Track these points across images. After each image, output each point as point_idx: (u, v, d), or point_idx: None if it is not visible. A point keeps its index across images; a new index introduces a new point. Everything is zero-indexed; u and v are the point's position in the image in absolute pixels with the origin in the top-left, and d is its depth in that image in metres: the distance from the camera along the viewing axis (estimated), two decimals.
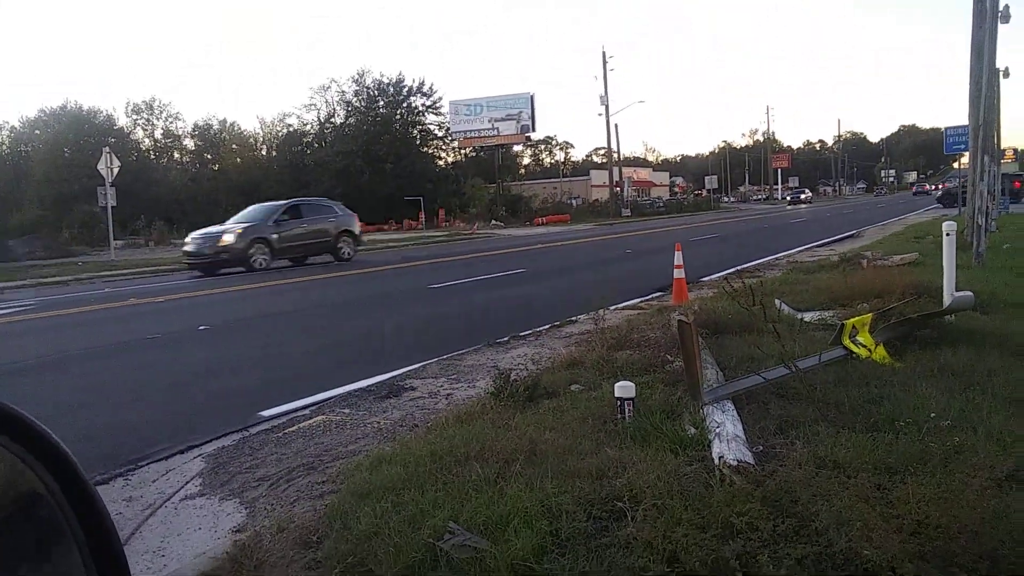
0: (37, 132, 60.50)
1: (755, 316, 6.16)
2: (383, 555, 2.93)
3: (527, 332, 8.57)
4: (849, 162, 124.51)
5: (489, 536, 2.94)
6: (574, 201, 66.34)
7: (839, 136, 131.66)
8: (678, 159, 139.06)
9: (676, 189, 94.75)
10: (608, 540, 2.88)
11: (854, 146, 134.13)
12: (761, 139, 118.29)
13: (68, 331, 11.69)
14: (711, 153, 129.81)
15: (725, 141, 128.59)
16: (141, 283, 20.44)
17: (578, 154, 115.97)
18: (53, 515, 0.77)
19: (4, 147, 67.12)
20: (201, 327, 10.62)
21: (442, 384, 6.38)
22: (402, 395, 6.06)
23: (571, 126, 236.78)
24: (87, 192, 39.85)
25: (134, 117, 64.36)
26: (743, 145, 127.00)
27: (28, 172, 58.24)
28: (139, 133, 64.54)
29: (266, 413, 5.77)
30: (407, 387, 6.30)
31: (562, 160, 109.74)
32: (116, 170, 28.47)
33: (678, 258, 10.44)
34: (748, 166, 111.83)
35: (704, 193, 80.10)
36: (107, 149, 29.40)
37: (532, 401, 4.96)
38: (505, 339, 8.18)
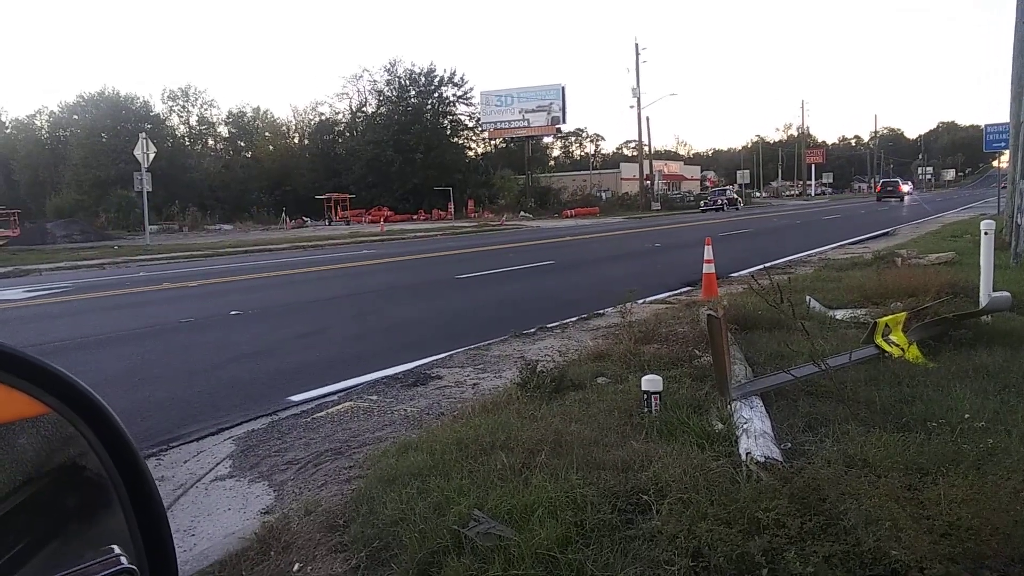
0: (75, 117, 61.74)
1: (785, 313, 6.10)
2: (408, 540, 2.96)
3: (554, 324, 8.57)
4: (885, 159, 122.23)
5: (513, 525, 2.96)
6: (603, 194, 66.01)
7: (875, 132, 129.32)
8: (710, 153, 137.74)
9: (707, 183, 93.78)
10: (633, 532, 2.88)
11: (891, 142, 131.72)
12: (795, 134, 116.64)
13: (103, 313, 11.94)
14: (743, 147, 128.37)
15: (758, 135, 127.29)
16: (175, 268, 20.78)
17: (608, 147, 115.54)
18: (100, 480, 0.80)
19: (43, 132, 68.68)
20: (232, 312, 10.78)
21: (469, 374, 6.41)
22: (429, 383, 6.10)
23: (602, 118, 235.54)
24: (123, 177, 40.60)
25: (170, 103, 65.49)
26: (776, 140, 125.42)
27: (66, 157, 59.52)
28: (174, 119, 65.65)
29: (295, 398, 5.86)
30: (434, 376, 6.34)
31: (592, 152, 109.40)
32: (152, 156, 28.92)
33: (708, 253, 10.35)
34: (781, 161, 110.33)
35: (737, 187, 79.16)
36: (143, 135, 29.85)
37: (558, 393, 4.97)
38: (532, 330, 8.18)
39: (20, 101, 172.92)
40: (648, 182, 62.58)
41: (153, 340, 9.16)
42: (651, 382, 4.36)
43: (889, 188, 60.57)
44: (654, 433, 3.99)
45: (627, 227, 34.93)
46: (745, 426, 3.86)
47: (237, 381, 6.74)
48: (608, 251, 21.46)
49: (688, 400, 4.47)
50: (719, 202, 55.42)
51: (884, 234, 22.81)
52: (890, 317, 5.77)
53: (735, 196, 59.84)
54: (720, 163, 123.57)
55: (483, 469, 3.55)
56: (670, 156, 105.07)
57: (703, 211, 53.54)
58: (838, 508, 2.88)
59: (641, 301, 9.36)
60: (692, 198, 68.34)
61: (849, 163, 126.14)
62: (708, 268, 10.29)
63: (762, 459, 3.41)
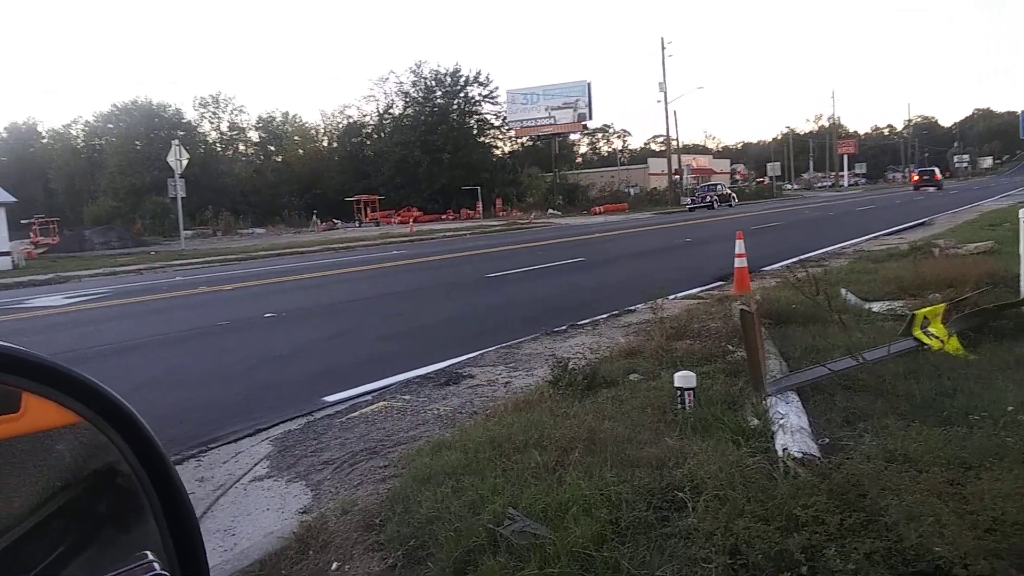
0: (110, 126, 63.04)
1: (820, 306, 6.02)
2: (444, 539, 2.98)
3: (585, 321, 8.54)
4: (920, 147, 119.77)
5: (548, 523, 2.96)
6: (632, 190, 65.61)
7: (909, 120, 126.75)
8: (739, 146, 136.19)
9: (737, 176, 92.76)
10: (668, 530, 2.87)
11: (925, 131, 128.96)
12: (826, 124, 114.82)
13: (141, 318, 12.18)
14: (773, 139, 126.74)
15: (788, 127, 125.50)
16: (210, 272, 21.12)
17: (636, 142, 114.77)
18: (132, 487, 0.81)
19: (79, 141, 70.17)
20: (267, 314, 10.92)
21: (500, 372, 6.42)
22: (461, 382, 6.12)
23: (629, 114, 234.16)
24: (158, 184, 41.35)
25: (201, 110, 66.38)
26: (807, 131, 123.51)
27: (102, 165, 60.75)
28: (206, 126, 66.55)
29: (329, 398, 5.92)
30: (466, 375, 6.37)
31: (619, 148, 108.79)
32: (185, 162, 29.43)
33: (739, 247, 10.23)
34: (812, 152, 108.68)
35: (766, 180, 78.16)
36: (176, 142, 30.38)
37: (590, 390, 4.96)
38: (563, 328, 8.17)
39: (56, 111, 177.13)
40: (677, 177, 62.08)
41: (190, 343, 9.33)
42: (684, 378, 4.33)
43: (926, 177, 59.48)
44: (688, 429, 3.96)
45: (656, 222, 34.71)
46: (781, 422, 3.82)
47: (273, 382, 6.83)
48: (638, 247, 21.34)
49: (722, 396, 4.43)
50: (708, 199, 48.10)
51: (920, 224, 22.35)
52: (928, 309, 5.66)
53: (728, 192, 52.07)
54: (750, 156, 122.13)
55: (517, 467, 3.56)
56: (698, 150, 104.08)
57: (691, 209, 46.48)
58: (879, 504, 2.84)
59: (672, 296, 9.29)
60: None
61: (882, 152, 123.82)
62: (740, 262, 10.18)
63: (799, 455, 3.37)
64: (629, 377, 5.30)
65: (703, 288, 10.80)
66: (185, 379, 7.22)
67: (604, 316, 8.81)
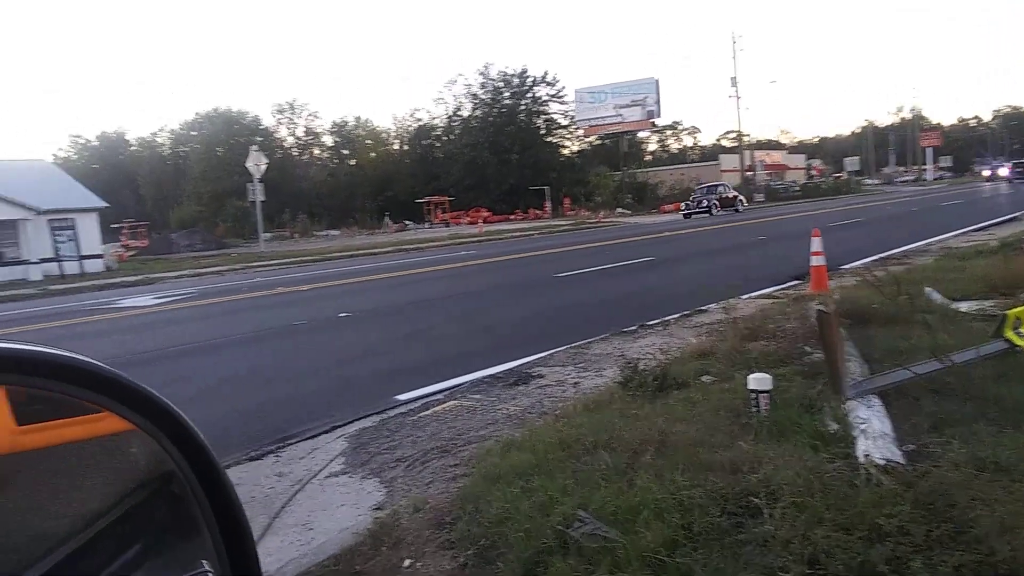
0: (194, 133, 65.92)
1: (903, 306, 5.78)
2: (513, 539, 2.99)
3: (655, 321, 8.44)
4: (1010, 139, 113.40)
5: (618, 526, 2.93)
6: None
7: (997, 111, 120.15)
8: (815, 140, 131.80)
9: (813, 172, 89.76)
10: (744, 537, 2.80)
11: (1014, 121, 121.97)
12: (908, 116, 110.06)
13: (223, 317, 12.67)
14: (852, 133, 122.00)
15: (867, 120, 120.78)
16: (287, 273, 21.79)
17: (706, 139, 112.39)
18: (187, 496, 0.81)
19: (165, 148, 73.58)
20: (341, 314, 11.20)
21: (569, 372, 6.40)
22: (530, 382, 6.14)
23: (699, 110, 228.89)
24: (238, 188, 42.89)
25: (278, 117, 68.62)
26: (887, 124, 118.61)
27: (186, 171, 63.53)
28: (283, 132, 68.74)
29: (402, 397, 6.03)
30: (535, 375, 6.38)
31: (690, 145, 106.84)
32: (263, 167, 30.50)
33: (816, 244, 9.90)
34: (893, 145, 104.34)
35: (844, 175, 75.43)
36: (255, 147, 31.58)
37: (661, 392, 4.89)
38: (632, 328, 8.09)
39: (143, 121, 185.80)
40: (750, 173, 60.65)
41: (269, 342, 9.65)
42: (759, 380, 4.23)
43: (1019, 169, 56.44)
44: (764, 433, 3.86)
45: (728, 220, 33.97)
46: (862, 426, 3.68)
47: (347, 381, 7.00)
48: (709, 245, 20.93)
49: (799, 399, 4.30)
50: (705, 204, 39.00)
51: (1011, 219, 21.17)
52: (1020, 308, 5.36)
53: (734, 194, 41.82)
54: (827, 150, 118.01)
55: (587, 469, 3.54)
56: (772, 146, 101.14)
57: (686, 216, 38.66)
58: (968, 515, 2.70)
59: (746, 296, 9.08)
60: (797, 188, 65.66)
61: (968, 145, 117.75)
62: (817, 260, 9.85)
63: (882, 461, 3.24)
64: (701, 379, 5.21)
65: (778, 287, 10.52)
66: (264, 377, 7.48)
67: (675, 316, 8.68)
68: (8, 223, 29.79)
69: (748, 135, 64.27)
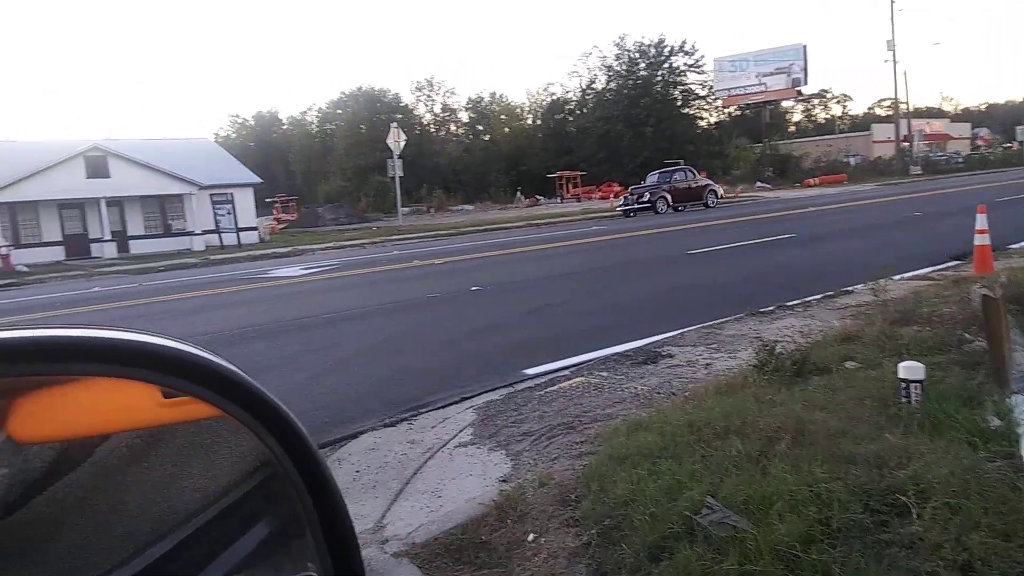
0: (339, 112, 69.18)
1: None
2: (639, 522, 2.94)
3: (794, 302, 8.03)
4: None
5: (749, 516, 2.82)
6: (851, 159, 60.35)
7: None
8: (982, 107, 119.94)
9: (979, 142, 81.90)
10: (888, 537, 2.62)
11: None
12: None
13: (363, 289, 13.31)
14: None
15: None
16: (423, 246, 22.53)
17: (858, 107, 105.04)
18: (288, 494, 0.77)
19: (313, 127, 77.76)
20: (473, 288, 11.46)
21: (701, 353, 6.22)
22: (659, 362, 6.02)
23: (850, 77, 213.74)
24: (380, 164, 44.67)
25: (416, 94, 70.76)
26: None
27: (332, 148, 66.89)
28: (421, 109, 70.81)
29: (529, 371, 6.09)
30: (664, 354, 6.24)
31: (839, 115, 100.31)
32: (403, 144, 31.61)
33: (981, 221, 9.02)
34: None
35: (1015, 146, 68.16)
36: (395, 125, 32.69)
37: (800, 377, 4.65)
38: (770, 308, 7.74)
39: (294, 100, 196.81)
40: (906, 144, 56.17)
41: (406, 313, 10.04)
42: (910, 369, 3.92)
43: None
44: (914, 426, 3.58)
45: (880, 195, 31.70)
46: None
47: (477, 353, 7.15)
48: (857, 222, 19.61)
49: (956, 391, 3.95)
50: (648, 198, 29.43)
51: None
52: None
53: (697, 184, 31.43)
54: (995, 118, 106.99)
55: (716, 454, 3.43)
56: (932, 113, 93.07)
57: (625, 214, 29.74)
58: None
59: (898, 277, 8.44)
60: (960, 160, 60.20)
61: None
62: (981, 239, 8.98)
63: None
64: (844, 365, 4.90)
65: (934, 268, 9.72)
66: (400, 346, 7.79)
67: (817, 297, 8.21)
68: (175, 197, 32.68)
69: (905, 103, 59.24)
